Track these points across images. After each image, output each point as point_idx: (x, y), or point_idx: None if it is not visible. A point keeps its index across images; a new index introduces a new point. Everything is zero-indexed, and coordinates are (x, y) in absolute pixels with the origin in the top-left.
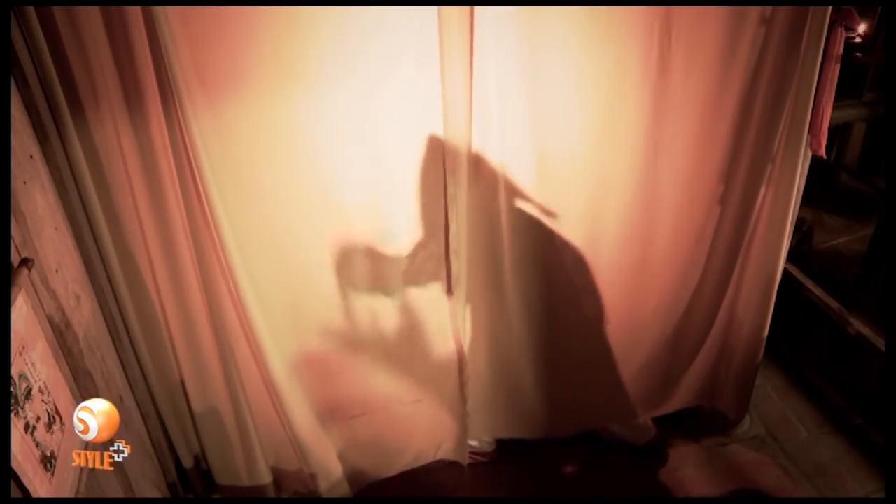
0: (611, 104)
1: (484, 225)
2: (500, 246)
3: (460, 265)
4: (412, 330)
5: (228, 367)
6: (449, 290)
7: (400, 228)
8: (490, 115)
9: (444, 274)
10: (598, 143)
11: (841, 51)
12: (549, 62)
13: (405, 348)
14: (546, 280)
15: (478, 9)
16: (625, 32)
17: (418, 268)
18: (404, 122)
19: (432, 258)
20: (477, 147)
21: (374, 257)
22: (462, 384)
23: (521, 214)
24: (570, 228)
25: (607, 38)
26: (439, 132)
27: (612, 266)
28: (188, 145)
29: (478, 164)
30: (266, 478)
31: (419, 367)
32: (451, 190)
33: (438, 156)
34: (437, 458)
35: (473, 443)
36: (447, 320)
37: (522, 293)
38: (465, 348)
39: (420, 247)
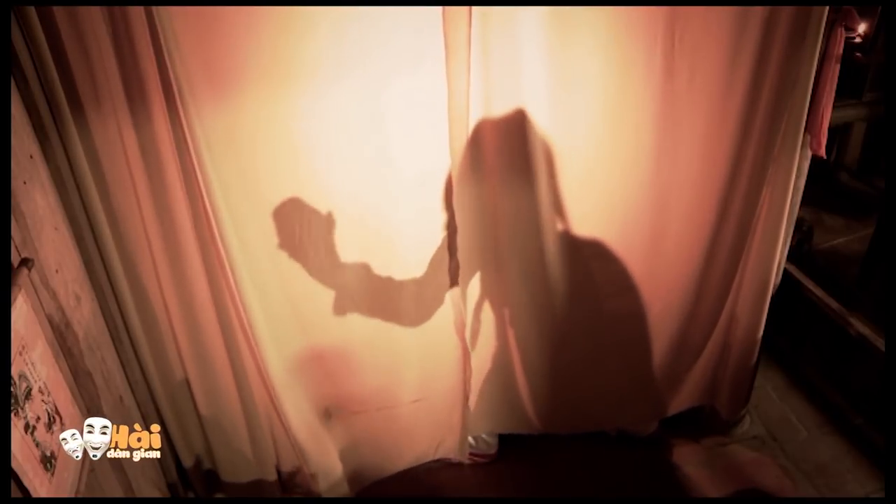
0: (617, 108)
1: (489, 225)
2: (507, 247)
3: (465, 264)
4: (415, 327)
5: (236, 365)
6: (453, 287)
7: (404, 227)
8: (494, 116)
9: (448, 271)
10: (605, 147)
11: (841, 51)
12: (555, 65)
13: (408, 345)
14: (553, 281)
15: (484, 9)
16: (629, 36)
17: (422, 266)
18: (409, 122)
19: (437, 257)
20: (482, 147)
21: (377, 255)
22: (465, 381)
23: (527, 216)
24: (576, 231)
25: (613, 41)
26: (444, 132)
27: (618, 268)
28: (191, 143)
29: (483, 165)
30: (271, 476)
31: (422, 365)
32: (456, 189)
33: (443, 155)
34: (438, 456)
35: (474, 442)
36: (451, 318)
37: (529, 293)
38: (469, 344)
39: (424, 245)
